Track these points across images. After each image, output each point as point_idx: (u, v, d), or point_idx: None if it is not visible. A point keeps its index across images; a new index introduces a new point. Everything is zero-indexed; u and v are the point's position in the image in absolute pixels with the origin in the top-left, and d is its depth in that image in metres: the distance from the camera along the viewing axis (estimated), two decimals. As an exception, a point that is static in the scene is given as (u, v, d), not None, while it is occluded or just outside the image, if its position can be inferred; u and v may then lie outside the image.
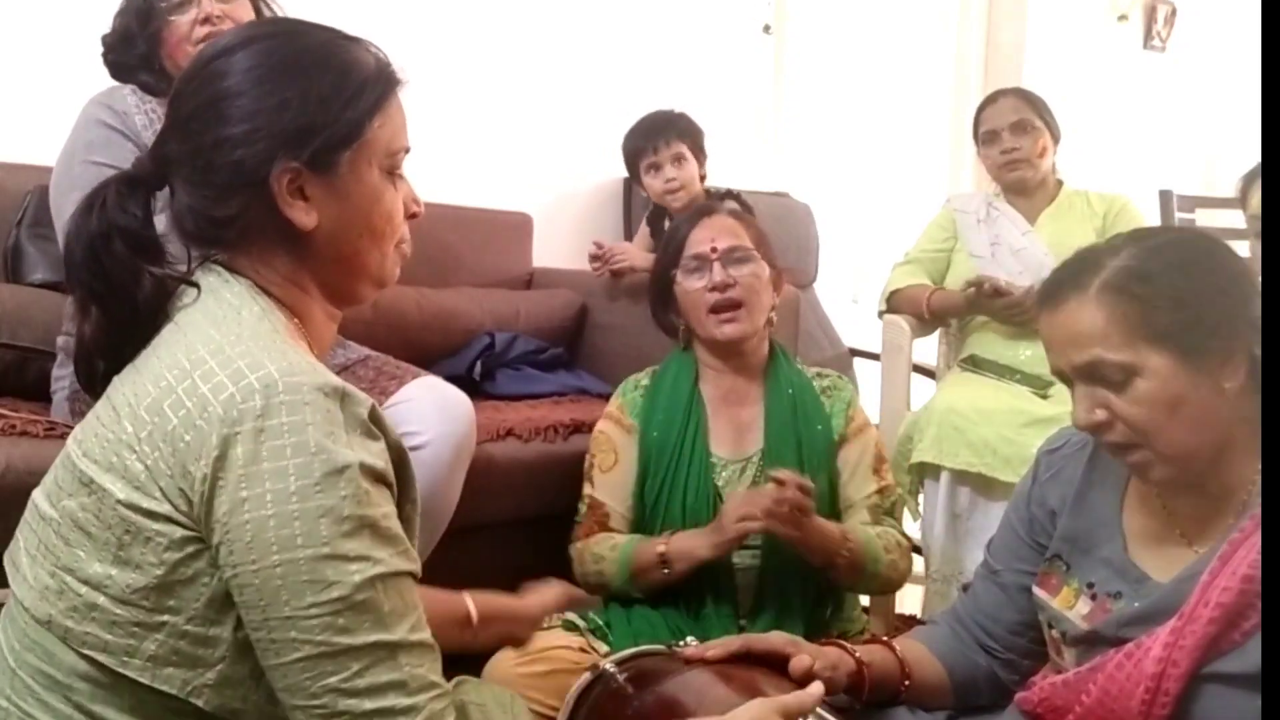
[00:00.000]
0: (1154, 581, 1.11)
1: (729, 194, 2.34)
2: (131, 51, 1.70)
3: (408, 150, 0.96)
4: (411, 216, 0.98)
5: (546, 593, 1.24)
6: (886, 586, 1.73)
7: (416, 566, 0.84)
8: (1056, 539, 1.22)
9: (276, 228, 0.89)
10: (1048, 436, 1.32)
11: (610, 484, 1.74)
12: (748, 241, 1.74)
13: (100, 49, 1.75)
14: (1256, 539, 0.99)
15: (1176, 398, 1.03)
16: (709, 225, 1.76)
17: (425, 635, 0.82)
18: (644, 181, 2.42)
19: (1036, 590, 1.22)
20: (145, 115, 1.66)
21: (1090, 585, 1.16)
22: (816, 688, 1.04)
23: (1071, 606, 1.17)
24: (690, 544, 1.60)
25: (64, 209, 1.60)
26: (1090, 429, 1.09)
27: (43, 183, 2.07)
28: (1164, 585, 1.09)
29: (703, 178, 2.41)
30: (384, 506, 0.81)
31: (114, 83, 1.74)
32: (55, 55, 2.27)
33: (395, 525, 0.82)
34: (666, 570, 1.61)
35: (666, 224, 2.44)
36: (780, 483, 1.51)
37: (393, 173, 0.94)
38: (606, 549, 1.67)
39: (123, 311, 0.89)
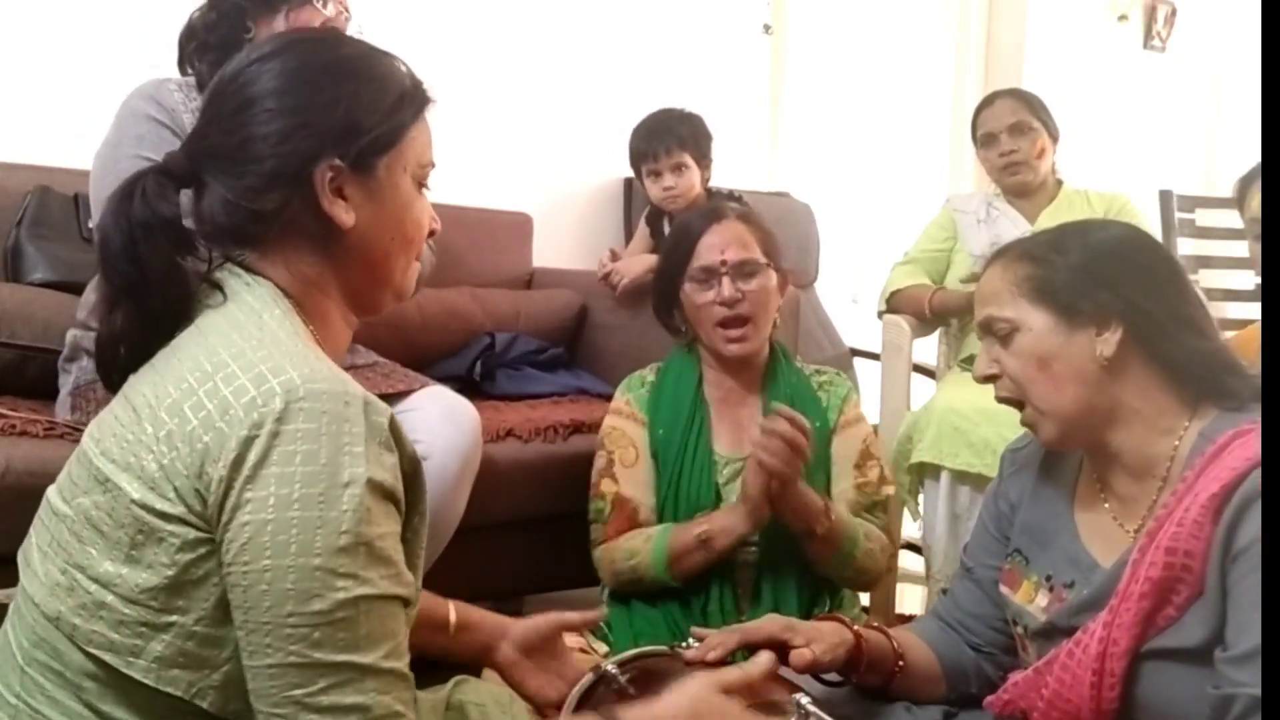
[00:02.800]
0: (1101, 568, 1.13)
1: (730, 196, 2.34)
2: (244, 33, 1.61)
3: (434, 166, 0.97)
4: (430, 234, 0.99)
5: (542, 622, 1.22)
6: (861, 576, 1.70)
7: (408, 591, 0.82)
8: (1016, 532, 1.25)
9: (312, 226, 0.90)
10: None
11: (635, 479, 1.71)
12: (757, 252, 1.72)
13: (184, 27, 1.67)
14: (1178, 514, 1.01)
15: (1048, 354, 1.11)
16: (719, 232, 1.73)
17: (399, 664, 0.81)
18: (644, 182, 2.43)
19: (1001, 588, 1.24)
20: (192, 115, 1.61)
21: (1049, 578, 1.18)
22: (764, 658, 1.07)
23: (1032, 600, 1.19)
24: (728, 520, 1.59)
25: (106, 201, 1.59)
26: (984, 380, 1.18)
27: (42, 183, 2.07)
28: (1107, 570, 1.11)
29: (705, 181, 2.41)
30: (384, 526, 0.80)
31: (134, 77, 1.67)
32: (55, 56, 2.27)
33: (391, 547, 0.81)
34: (706, 551, 1.59)
35: (665, 224, 2.45)
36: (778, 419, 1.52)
37: (420, 185, 0.96)
38: (640, 541, 1.65)
39: (154, 305, 0.88)
